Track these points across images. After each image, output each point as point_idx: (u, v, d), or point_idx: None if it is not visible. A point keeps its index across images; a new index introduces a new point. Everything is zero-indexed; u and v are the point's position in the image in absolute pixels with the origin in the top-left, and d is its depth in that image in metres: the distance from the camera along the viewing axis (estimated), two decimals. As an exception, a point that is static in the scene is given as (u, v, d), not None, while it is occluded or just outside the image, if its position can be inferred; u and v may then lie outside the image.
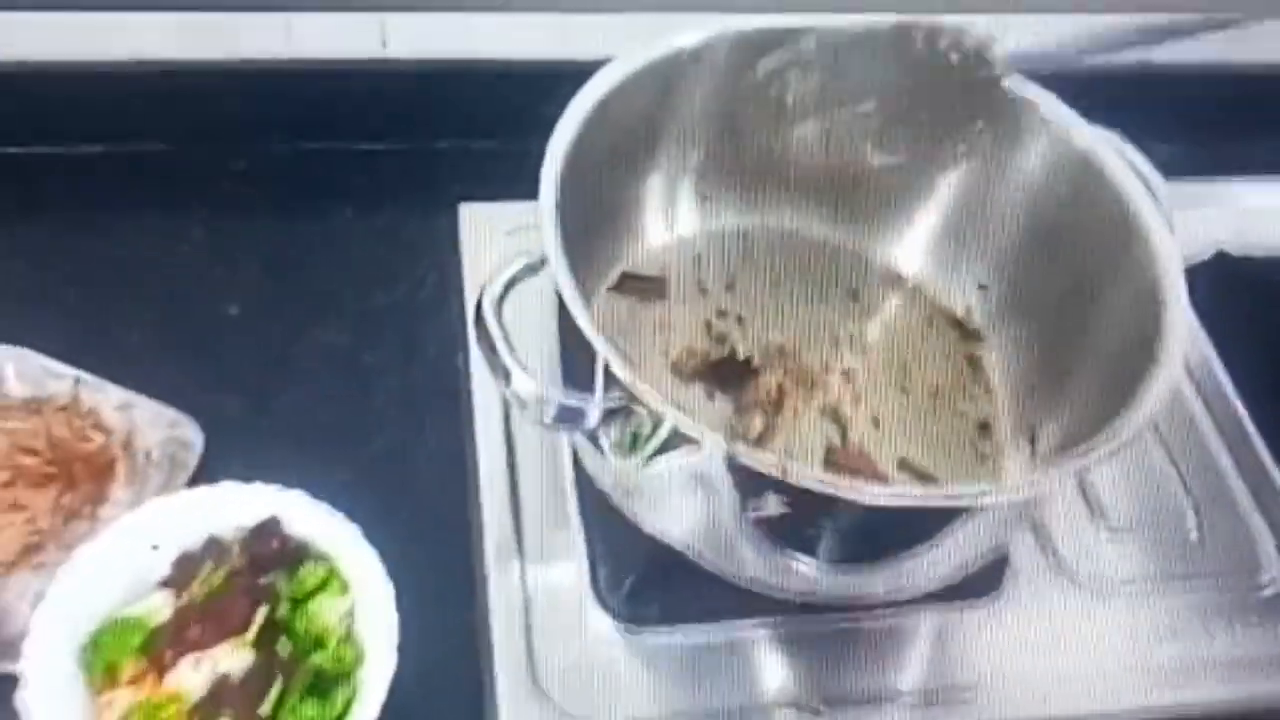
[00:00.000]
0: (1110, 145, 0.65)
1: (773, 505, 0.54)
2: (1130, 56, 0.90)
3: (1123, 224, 0.63)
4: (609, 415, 0.53)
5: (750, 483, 0.53)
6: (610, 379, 0.53)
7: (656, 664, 0.64)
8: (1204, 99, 0.91)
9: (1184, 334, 0.58)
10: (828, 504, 0.53)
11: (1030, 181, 0.69)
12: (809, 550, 0.58)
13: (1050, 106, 0.68)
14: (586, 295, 0.57)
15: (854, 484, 0.52)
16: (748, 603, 0.64)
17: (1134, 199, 0.64)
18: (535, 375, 0.54)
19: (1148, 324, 0.59)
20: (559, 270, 0.54)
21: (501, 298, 0.55)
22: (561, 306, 0.55)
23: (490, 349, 0.54)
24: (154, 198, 0.84)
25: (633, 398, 0.52)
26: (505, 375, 0.54)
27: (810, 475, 0.52)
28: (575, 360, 0.57)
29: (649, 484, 0.59)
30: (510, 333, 0.55)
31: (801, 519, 0.55)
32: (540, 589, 0.66)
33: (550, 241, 0.55)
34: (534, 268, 0.56)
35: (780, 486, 0.53)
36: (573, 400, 0.54)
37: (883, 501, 0.51)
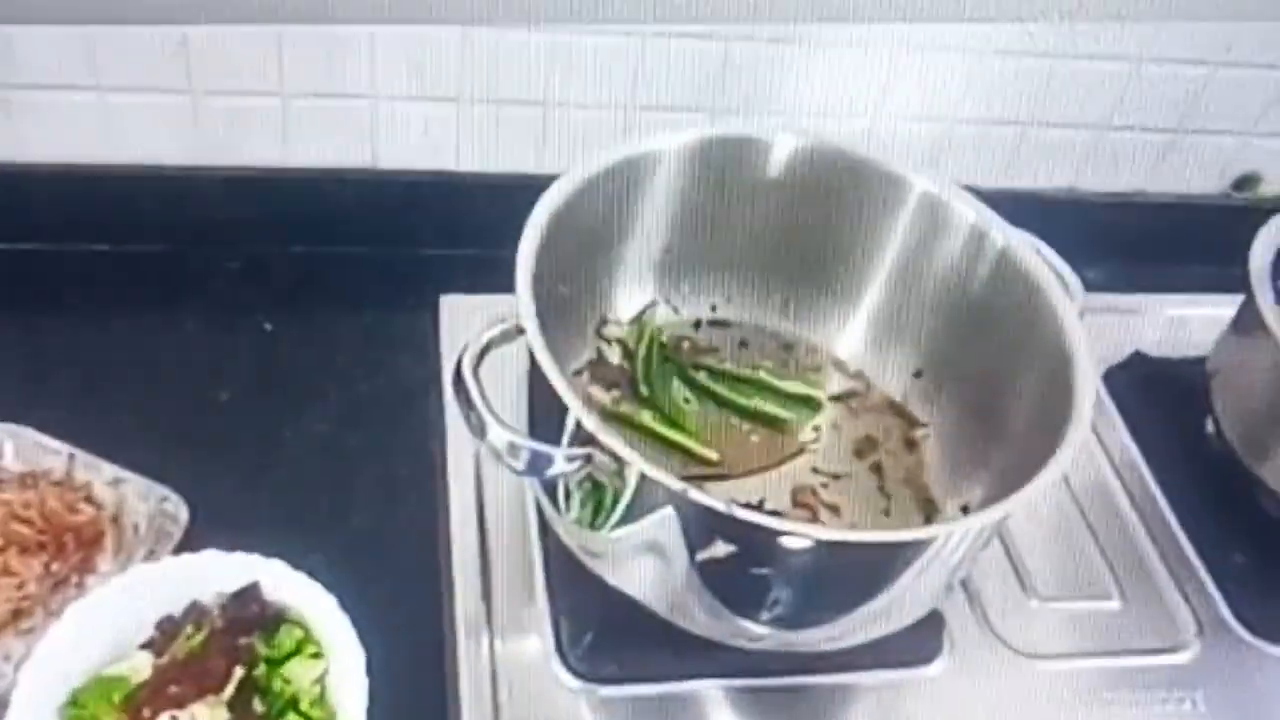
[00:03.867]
0: (1025, 242, 0.74)
1: (720, 549, 0.60)
2: (1058, 182, 1.01)
3: (1036, 310, 0.71)
4: (574, 462, 0.60)
5: (701, 527, 0.59)
6: (577, 430, 0.60)
7: (616, 717, 0.69)
8: (1126, 225, 1.02)
9: (1090, 399, 0.65)
10: (772, 548, 0.60)
11: (952, 276, 0.77)
12: (755, 602, 0.63)
13: (969, 206, 0.76)
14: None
15: (793, 524, 0.59)
16: (703, 660, 0.70)
17: (1045, 287, 0.71)
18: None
19: (1060, 396, 0.66)
20: (531, 329, 0.61)
21: (479, 359, 0.62)
22: (533, 366, 0.62)
23: (467, 404, 0.60)
24: (152, 294, 0.91)
25: (597, 444, 0.59)
26: (481, 428, 0.60)
27: (754, 514, 0.58)
28: (543, 422, 0.64)
29: (611, 544, 0.65)
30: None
31: (749, 564, 0.61)
32: (507, 651, 0.71)
33: (525, 303, 0.62)
34: (509, 334, 0.63)
35: (728, 530, 0.59)
36: (542, 447, 0.60)
37: (816, 536, 0.57)
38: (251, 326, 0.91)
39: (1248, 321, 0.81)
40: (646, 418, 0.78)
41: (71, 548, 0.76)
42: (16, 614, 0.72)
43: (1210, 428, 0.86)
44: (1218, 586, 0.81)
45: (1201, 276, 0.97)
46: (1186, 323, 0.96)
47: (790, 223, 0.79)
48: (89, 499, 0.78)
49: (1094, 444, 0.87)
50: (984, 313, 0.76)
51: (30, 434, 0.79)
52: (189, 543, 0.76)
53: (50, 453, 0.78)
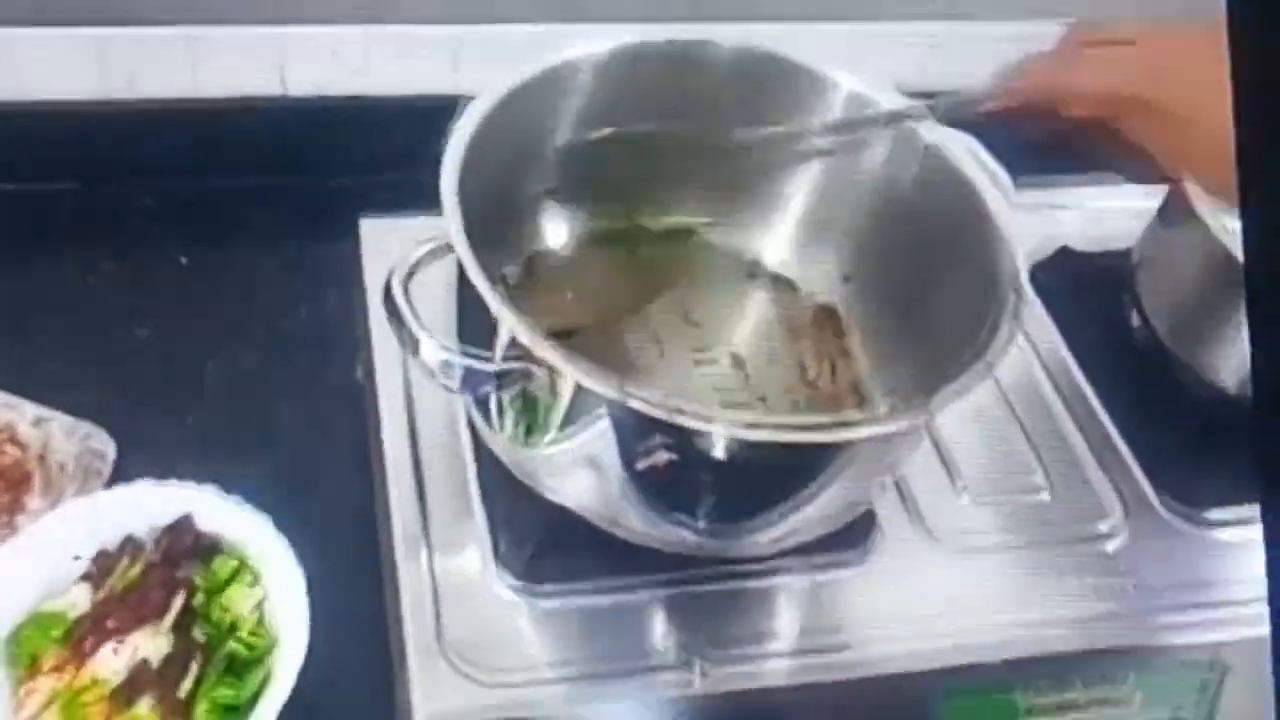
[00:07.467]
0: (955, 140, 0.77)
1: (660, 456, 0.64)
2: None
3: (967, 206, 0.74)
4: (508, 376, 0.63)
5: (640, 433, 0.63)
6: (510, 342, 0.63)
7: (555, 627, 0.73)
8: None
9: (1023, 290, 0.69)
10: (711, 450, 0.63)
11: (880, 175, 0.80)
12: (693, 507, 0.68)
13: (898, 104, 0.79)
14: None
15: (733, 420, 0.62)
16: (639, 565, 0.74)
17: (977, 183, 0.75)
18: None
19: (991, 291, 0.70)
20: (459, 244, 0.64)
21: (408, 277, 0.65)
22: (462, 279, 0.65)
23: (399, 323, 0.63)
24: (66, 233, 0.94)
25: (530, 356, 0.62)
26: (414, 346, 0.63)
27: (699, 413, 0.60)
28: (475, 336, 0.66)
29: (546, 458, 0.69)
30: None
31: (687, 468, 0.64)
32: (446, 566, 0.75)
33: (452, 217, 0.65)
34: (438, 252, 0.66)
35: (668, 434, 0.62)
36: (476, 363, 0.63)
37: (757, 436, 0.60)
38: (168, 261, 0.93)
39: (1174, 210, 0.86)
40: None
41: (-1, 489, 0.79)
42: (-52, 557, 0.75)
43: (1135, 319, 0.90)
44: (1147, 474, 0.86)
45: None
46: (1110, 215, 1.00)
47: (718, 128, 0.82)
48: (13, 440, 0.81)
49: (1022, 341, 0.92)
50: (910, 213, 0.79)
51: (-53, 378, 0.81)
52: (118, 479, 0.79)
53: (-31, 396, 0.81)
